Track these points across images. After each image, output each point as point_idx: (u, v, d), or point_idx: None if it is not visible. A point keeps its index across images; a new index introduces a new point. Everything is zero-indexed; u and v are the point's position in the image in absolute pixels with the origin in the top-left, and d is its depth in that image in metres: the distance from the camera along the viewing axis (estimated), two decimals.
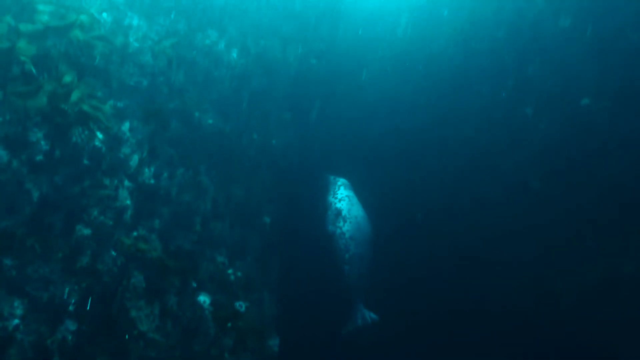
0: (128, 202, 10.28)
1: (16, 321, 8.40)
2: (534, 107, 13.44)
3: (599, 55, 12.83)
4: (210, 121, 12.42)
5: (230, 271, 11.22)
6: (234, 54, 13.24)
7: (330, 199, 13.55)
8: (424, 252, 13.03)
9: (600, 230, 11.87)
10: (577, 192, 12.47)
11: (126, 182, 10.43)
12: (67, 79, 9.69)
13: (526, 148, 13.33)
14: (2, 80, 9.65)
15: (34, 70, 9.64)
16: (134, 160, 10.72)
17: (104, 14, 11.75)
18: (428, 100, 14.35)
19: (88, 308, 9.02)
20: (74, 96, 9.35)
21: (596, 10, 13.07)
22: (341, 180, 13.92)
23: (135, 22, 12.09)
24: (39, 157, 9.51)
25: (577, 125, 12.86)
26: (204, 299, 10.45)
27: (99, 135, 10.04)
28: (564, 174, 12.68)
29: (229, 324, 10.34)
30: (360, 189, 14.14)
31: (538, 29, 13.59)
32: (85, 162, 9.96)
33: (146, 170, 10.83)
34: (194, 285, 10.43)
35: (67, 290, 8.93)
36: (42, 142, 9.60)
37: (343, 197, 13.51)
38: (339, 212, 13.20)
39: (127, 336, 9.24)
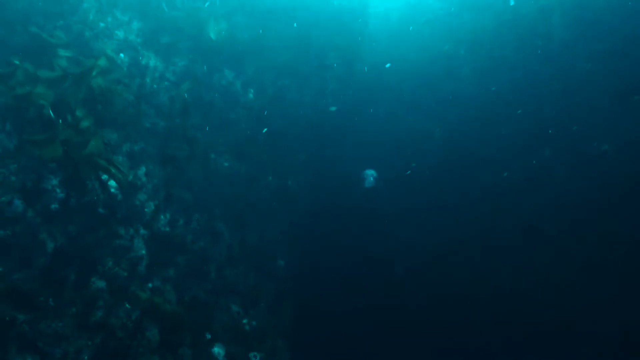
0: (143, 251, 10.07)
1: None
2: (552, 151, 13.27)
3: (620, 101, 12.70)
4: (226, 164, 12.27)
5: (245, 321, 11.00)
6: (251, 94, 13.10)
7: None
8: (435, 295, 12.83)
9: (614, 279, 11.73)
10: (592, 240, 12.31)
11: (141, 230, 10.24)
12: (84, 125, 9.54)
13: (543, 192, 13.17)
14: (19, 126, 9.50)
15: (52, 115, 9.49)
16: (150, 206, 10.53)
17: (121, 54, 11.64)
18: (445, 142, 14.20)
19: None
20: (91, 146, 9.18)
21: (617, 54, 12.95)
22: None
23: (152, 62, 11.97)
24: (54, 206, 9.31)
25: (595, 172, 12.72)
26: (218, 350, 10.22)
27: (114, 184, 9.84)
28: (580, 220, 12.53)
29: None
30: None
31: (558, 71, 13.47)
32: (101, 210, 9.76)
33: (162, 217, 10.64)
34: (209, 336, 10.20)
35: (80, 346, 8.68)
36: (57, 190, 9.41)
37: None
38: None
39: None
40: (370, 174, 14.02)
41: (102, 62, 10.38)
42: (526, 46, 13.94)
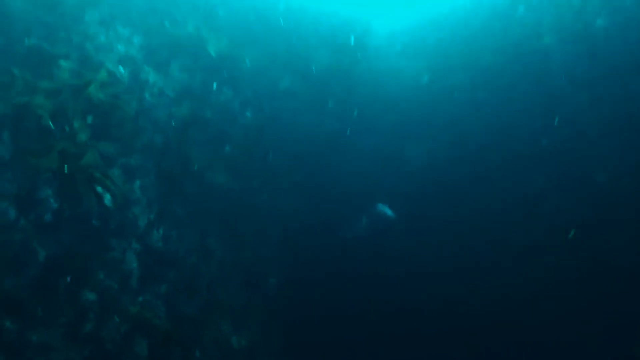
0: (135, 265, 10.03)
1: None
2: (546, 180, 13.29)
3: (619, 131, 12.74)
4: (221, 180, 12.25)
5: (234, 339, 10.92)
6: (248, 113, 13.15)
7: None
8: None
9: (610, 315, 11.70)
10: (593, 269, 12.29)
11: (134, 244, 10.20)
12: (81, 136, 9.56)
13: (539, 223, 13.16)
14: (16, 135, 9.50)
15: (51, 125, 9.51)
16: (143, 221, 10.51)
17: (121, 68, 11.68)
18: (439, 168, 14.23)
19: None
20: (87, 158, 9.19)
21: (616, 86, 13.02)
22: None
23: (151, 77, 12.02)
24: (47, 216, 9.28)
25: (591, 203, 12.72)
26: None
27: (109, 196, 9.83)
28: (577, 254, 12.50)
29: None
30: None
31: (555, 99, 13.53)
32: (94, 222, 9.74)
33: (155, 231, 10.61)
34: (197, 354, 10.12)
35: (68, 357, 8.60)
36: (52, 200, 9.38)
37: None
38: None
39: None
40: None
41: (102, 75, 10.45)
42: (526, 74, 14.02)
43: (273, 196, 13.14)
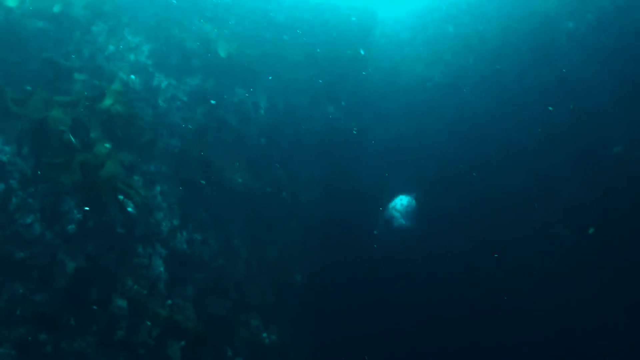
0: (162, 269, 10.12)
1: None
2: (565, 156, 13.20)
3: (630, 101, 12.67)
4: (239, 180, 12.31)
5: (264, 335, 10.98)
6: (262, 111, 13.19)
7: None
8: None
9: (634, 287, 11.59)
10: (611, 244, 12.19)
11: (159, 249, 10.28)
12: (100, 148, 9.67)
13: (557, 198, 13.09)
14: (36, 149, 9.63)
15: (71, 138, 9.62)
16: (167, 225, 10.59)
17: (132, 76, 11.78)
18: (455, 151, 14.18)
19: None
20: (106, 169, 9.30)
21: (624, 56, 12.94)
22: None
23: (163, 83, 12.11)
24: (72, 227, 9.39)
25: (610, 174, 12.63)
26: None
27: (131, 203, 9.93)
28: (597, 226, 12.42)
29: None
30: None
31: (565, 75, 13.46)
32: (119, 230, 9.83)
33: (178, 234, 10.70)
34: (230, 353, 10.19)
35: None
36: (75, 211, 9.49)
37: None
38: None
39: None
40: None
41: (115, 84, 10.56)
42: (535, 52, 13.95)
43: (293, 193, 13.18)
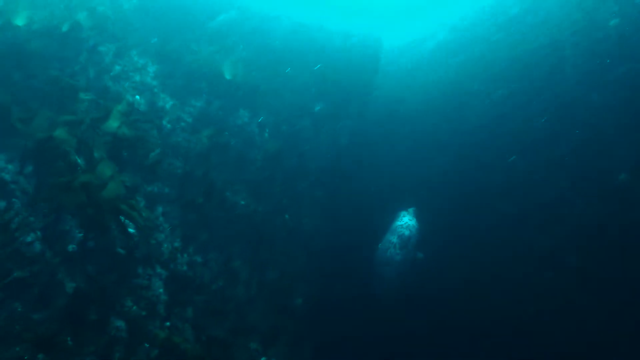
0: (161, 290, 10.07)
1: None
2: (570, 182, 13.16)
3: (635, 128, 12.63)
4: (242, 202, 12.30)
5: (263, 358, 10.89)
6: (266, 133, 13.22)
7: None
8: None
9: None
10: (616, 270, 12.09)
11: (159, 270, 10.24)
12: (103, 167, 9.67)
13: (563, 224, 13.01)
14: (38, 169, 9.65)
15: (77, 158, 9.65)
16: (168, 246, 10.56)
17: (137, 97, 11.83)
18: (460, 175, 14.15)
19: None
20: (109, 190, 9.30)
21: (627, 84, 12.94)
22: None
23: (168, 104, 12.16)
24: (72, 246, 9.38)
25: (615, 201, 12.56)
26: None
27: (132, 224, 9.92)
28: (603, 251, 12.33)
29: None
30: None
31: (570, 101, 13.46)
32: (119, 250, 9.81)
33: (179, 256, 10.66)
34: None
35: None
36: (76, 231, 9.48)
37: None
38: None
39: None
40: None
41: (120, 105, 10.60)
42: (539, 78, 13.98)
43: (295, 215, 13.14)
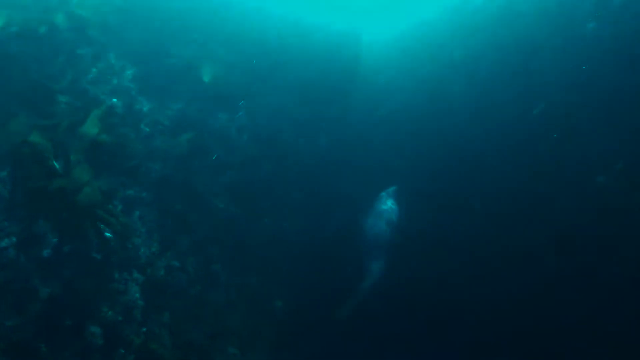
0: (137, 295, 10.01)
1: None
2: (549, 183, 13.22)
3: (614, 130, 12.70)
4: (221, 205, 12.25)
5: None
6: (245, 137, 13.17)
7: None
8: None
9: (620, 315, 11.54)
10: (596, 271, 12.17)
11: (136, 274, 10.19)
12: (79, 172, 9.62)
13: (543, 225, 13.07)
14: (14, 173, 9.57)
15: (54, 162, 9.58)
16: (145, 251, 10.51)
17: (115, 99, 11.75)
18: (444, 177, 14.17)
19: None
20: (85, 194, 9.25)
21: (605, 85, 13.02)
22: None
23: (145, 107, 12.10)
24: (47, 251, 9.31)
25: (594, 203, 12.63)
26: None
27: (109, 229, 9.85)
28: (581, 253, 12.40)
29: None
30: None
31: (551, 104, 13.52)
32: (95, 255, 9.75)
33: (157, 261, 10.61)
34: None
35: None
36: (50, 235, 9.41)
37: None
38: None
39: None
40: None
41: (98, 108, 10.54)
42: (524, 77, 14.02)
43: (276, 218, 13.12)
